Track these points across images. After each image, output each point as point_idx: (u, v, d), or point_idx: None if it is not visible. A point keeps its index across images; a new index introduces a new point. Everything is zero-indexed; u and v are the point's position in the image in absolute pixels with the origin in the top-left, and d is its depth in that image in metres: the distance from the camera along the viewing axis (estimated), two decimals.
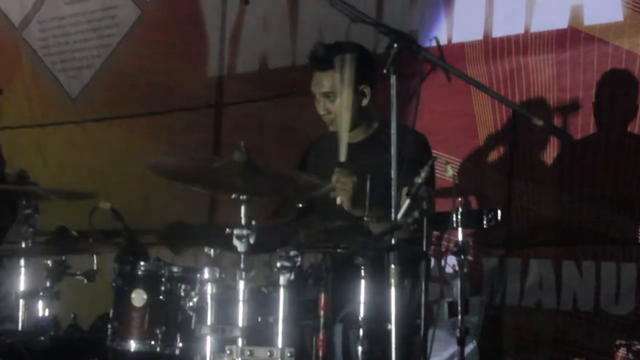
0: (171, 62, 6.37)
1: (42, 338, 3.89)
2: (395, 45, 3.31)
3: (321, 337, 3.15)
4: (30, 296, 4.05)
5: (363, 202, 3.78)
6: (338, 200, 3.92)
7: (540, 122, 3.33)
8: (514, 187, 4.80)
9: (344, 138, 3.91)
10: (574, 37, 4.70)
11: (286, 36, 5.80)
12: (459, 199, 3.40)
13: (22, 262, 4.18)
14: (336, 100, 4.12)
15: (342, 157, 3.87)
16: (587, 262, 4.59)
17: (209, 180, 3.52)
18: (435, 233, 4.23)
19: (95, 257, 4.15)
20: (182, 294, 3.48)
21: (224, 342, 3.23)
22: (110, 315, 3.56)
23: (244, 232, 3.24)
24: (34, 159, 6.82)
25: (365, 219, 3.56)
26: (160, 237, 4.03)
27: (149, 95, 6.49)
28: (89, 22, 6.89)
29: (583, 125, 4.63)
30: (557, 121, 4.65)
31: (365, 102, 4.18)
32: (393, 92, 3.32)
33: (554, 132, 3.42)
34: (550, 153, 4.73)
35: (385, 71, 3.32)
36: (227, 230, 3.25)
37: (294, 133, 5.53)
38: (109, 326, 3.53)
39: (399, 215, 3.25)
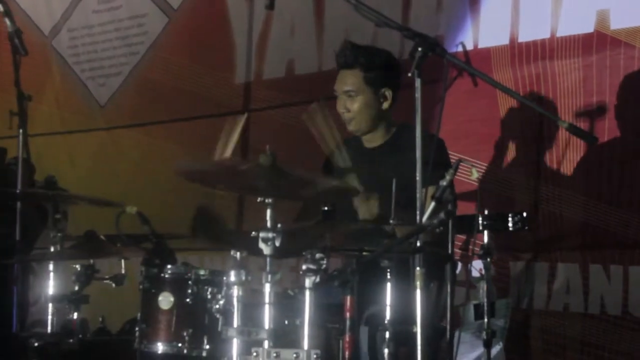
0: (198, 69, 6.41)
1: (71, 341, 3.92)
2: (420, 48, 3.31)
3: (347, 339, 3.14)
4: (60, 300, 4.07)
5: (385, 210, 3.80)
6: (360, 213, 3.95)
7: (565, 124, 3.33)
8: (541, 191, 4.79)
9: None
10: (600, 41, 4.68)
11: (312, 42, 5.82)
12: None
13: (51, 266, 4.21)
14: (357, 99, 4.15)
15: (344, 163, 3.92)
16: (615, 266, 4.56)
17: (236, 184, 3.54)
18: (462, 237, 4.22)
19: (123, 261, 4.17)
20: (209, 296, 3.50)
21: (251, 344, 3.23)
22: (138, 318, 3.58)
23: (270, 234, 3.25)
24: (63, 165, 6.88)
25: (391, 222, 3.56)
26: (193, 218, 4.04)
27: (176, 102, 6.52)
28: (117, 31, 6.94)
29: (610, 128, 4.61)
30: (583, 125, 4.63)
31: (385, 105, 4.20)
32: (418, 95, 3.32)
33: (579, 134, 3.40)
34: (577, 157, 4.71)
35: (410, 74, 3.32)
36: (253, 233, 3.26)
37: None
38: (137, 329, 3.55)
39: (424, 218, 3.25)
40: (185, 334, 3.48)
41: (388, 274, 3.49)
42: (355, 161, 4.12)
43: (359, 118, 4.21)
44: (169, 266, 3.60)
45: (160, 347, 3.51)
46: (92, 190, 6.46)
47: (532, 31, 4.90)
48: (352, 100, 4.22)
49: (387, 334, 3.44)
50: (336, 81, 4.30)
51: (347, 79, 4.22)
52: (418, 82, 3.31)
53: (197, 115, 6.40)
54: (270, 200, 3.27)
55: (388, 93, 4.17)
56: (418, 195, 3.28)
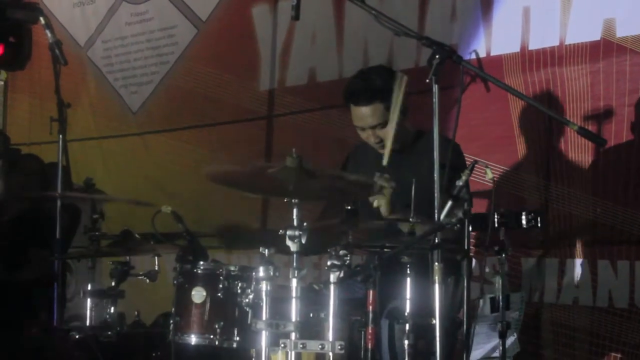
0: (225, 77, 6.43)
1: (109, 333, 3.95)
2: (437, 56, 3.32)
3: (370, 331, 3.15)
4: (97, 295, 4.11)
5: (400, 207, 3.81)
6: (375, 204, 3.94)
7: (575, 127, 3.33)
8: (551, 190, 4.79)
9: (389, 145, 3.92)
10: (606, 48, 4.67)
11: (333, 50, 5.83)
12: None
13: (89, 263, 4.24)
14: (387, 127, 4.04)
15: (385, 161, 3.89)
16: (622, 262, 4.55)
17: (263, 186, 3.55)
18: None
19: (156, 258, 4.20)
20: (239, 291, 3.53)
21: (279, 336, 3.25)
22: (172, 311, 3.60)
23: (296, 232, 3.27)
24: (98, 169, 6.92)
25: (410, 220, 3.57)
26: (216, 235, 4.06)
27: (203, 109, 6.55)
28: (148, 42, 6.98)
29: (617, 131, 4.60)
30: (591, 128, 4.63)
31: (406, 122, 4.17)
32: (435, 100, 3.33)
33: (588, 136, 3.40)
34: (585, 158, 4.71)
35: (427, 81, 3.33)
36: (281, 231, 3.28)
37: (341, 143, 5.55)
38: (171, 321, 3.57)
39: (442, 216, 3.26)
40: (216, 326, 3.50)
41: (408, 269, 3.50)
42: (373, 164, 4.11)
43: (393, 141, 4.08)
44: (201, 263, 3.63)
45: (193, 339, 3.54)
46: (124, 192, 6.53)
47: (541, 39, 4.89)
48: (382, 129, 4.10)
49: (407, 327, 3.46)
50: (354, 118, 4.18)
51: (369, 116, 4.10)
52: (435, 88, 3.32)
53: (223, 121, 6.43)
54: (296, 200, 3.29)
55: (405, 106, 4.10)
56: (436, 195, 3.28)
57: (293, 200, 3.29)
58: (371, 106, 4.10)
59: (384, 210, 3.94)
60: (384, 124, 4.07)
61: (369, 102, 4.09)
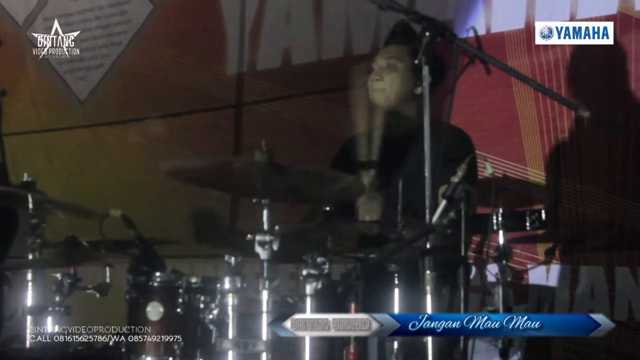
0: (187, 60, 6.43)
1: (51, 357, 3.94)
2: (428, 33, 3.33)
3: (352, 350, 3.16)
4: (39, 312, 4.09)
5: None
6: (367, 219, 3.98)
7: (586, 114, 3.34)
8: (561, 187, 4.81)
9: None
10: (624, 23, 4.70)
11: (310, 29, 5.84)
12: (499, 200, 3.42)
13: (29, 275, 4.22)
14: (395, 69, 4.19)
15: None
16: None
17: (229, 183, 3.56)
18: (476, 239, 4.24)
19: (107, 269, 4.19)
20: (201, 306, 3.52)
21: (247, 357, 3.26)
22: (125, 330, 3.60)
23: (267, 238, 3.27)
24: (42, 166, 6.90)
25: (398, 224, 3.58)
26: (187, 222, 4.07)
27: (163, 97, 6.54)
28: (97, 19, 6.97)
29: (635, 118, 4.63)
30: (606, 116, 4.65)
31: (419, 90, 4.19)
32: (426, 84, 3.34)
33: (601, 124, 3.42)
34: (600, 149, 4.72)
35: (416, 62, 3.34)
36: (249, 236, 3.28)
37: (320, 133, 5.56)
38: (124, 342, 3.57)
39: (435, 218, 3.27)
40: (176, 347, 3.50)
41: (396, 279, 3.51)
42: (379, 149, 4.14)
43: (390, 89, 4.21)
44: (157, 274, 3.62)
45: None
46: (72, 193, 6.50)
47: (549, 14, 4.91)
48: (389, 70, 4.26)
49: (396, 344, 3.47)
50: (377, 55, 4.35)
51: (393, 50, 4.29)
52: (426, 70, 3.33)
53: (185, 111, 6.42)
54: (266, 201, 3.29)
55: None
56: (427, 193, 3.29)
57: (262, 201, 3.29)
58: (399, 45, 4.28)
59: (373, 218, 3.97)
60: (394, 64, 4.22)
61: (400, 42, 4.27)
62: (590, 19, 4.78)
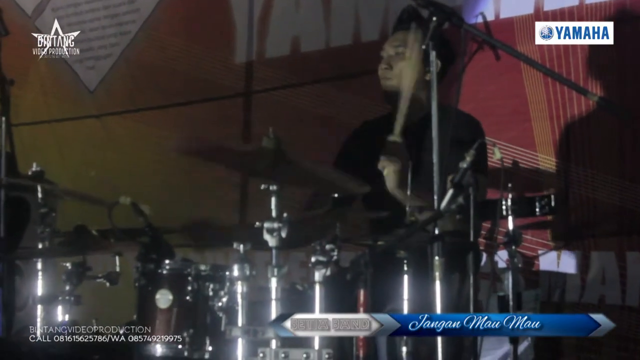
0: (195, 49, 6.43)
1: (61, 345, 3.94)
2: (435, 18, 3.32)
3: (361, 337, 3.16)
4: (49, 301, 4.10)
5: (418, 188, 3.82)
6: (384, 172, 3.97)
7: (595, 98, 3.34)
8: (572, 172, 4.80)
9: (403, 110, 3.95)
10: (635, 6, 4.68)
11: (319, 16, 5.83)
12: (509, 185, 3.41)
13: (39, 264, 4.23)
14: (402, 60, 4.17)
15: (397, 134, 3.91)
16: None
17: (237, 165, 3.55)
18: (487, 225, 4.24)
19: (117, 258, 4.19)
20: (211, 293, 3.52)
21: (257, 344, 3.25)
22: (134, 318, 3.60)
23: (275, 225, 3.27)
24: (52, 156, 6.91)
25: (407, 209, 3.58)
26: (183, 234, 4.07)
27: (172, 86, 6.55)
28: (106, 9, 6.98)
29: None
30: (616, 100, 4.63)
31: (429, 76, 4.18)
32: (433, 69, 3.34)
33: (610, 108, 3.42)
34: (611, 134, 4.71)
35: (423, 47, 3.34)
36: (257, 223, 3.28)
37: (329, 121, 5.56)
38: (133, 330, 3.57)
39: (443, 204, 3.26)
40: (185, 334, 3.50)
41: (405, 265, 3.51)
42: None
43: (400, 78, 4.19)
44: (166, 261, 3.62)
45: (158, 350, 3.52)
46: (82, 182, 6.51)
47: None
48: (398, 58, 4.26)
49: None
50: (387, 42, 4.35)
51: (401, 38, 4.27)
52: (433, 55, 3.33)
53: (194, 99, 6.43)
54: (274, 188, 3.29)
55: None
56: (435, 179, 3.29)
57: (270, 187, 3.29)
58: (408, 31, 4.23)
59: (389, 181, 3.96)
60: (402, 54, 4.22)
61: (408, 28, 4.23)
62: (600, 3, 4.77)
